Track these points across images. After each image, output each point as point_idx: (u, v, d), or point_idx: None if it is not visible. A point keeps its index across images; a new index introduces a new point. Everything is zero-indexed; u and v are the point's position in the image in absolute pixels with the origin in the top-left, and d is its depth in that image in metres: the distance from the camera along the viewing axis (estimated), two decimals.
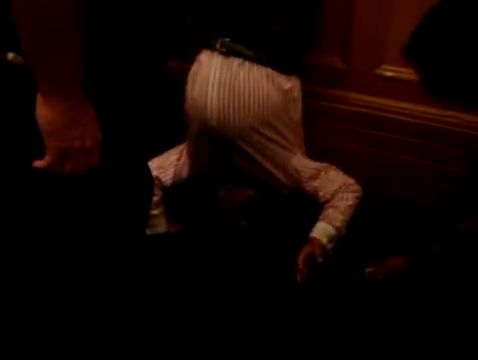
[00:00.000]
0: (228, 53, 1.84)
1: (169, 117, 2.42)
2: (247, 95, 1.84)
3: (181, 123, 2.07)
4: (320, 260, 1.89)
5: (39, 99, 0.91)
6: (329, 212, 1.95)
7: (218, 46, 1.85)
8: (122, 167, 1.18)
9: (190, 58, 2.02)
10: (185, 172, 2.09)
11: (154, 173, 1.99)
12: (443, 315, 1.76)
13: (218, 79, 1.84)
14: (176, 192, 2.11)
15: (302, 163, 2.03)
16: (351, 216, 1.97)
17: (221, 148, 1.96)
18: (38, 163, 0.97)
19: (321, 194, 1.99)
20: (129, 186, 1.24)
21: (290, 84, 1.92)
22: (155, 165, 2.03)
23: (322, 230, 1.92)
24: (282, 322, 1.75)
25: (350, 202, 1.96)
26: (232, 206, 2.10)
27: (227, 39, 1.84)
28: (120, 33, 0.98)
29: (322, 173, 2.01)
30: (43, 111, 0.91)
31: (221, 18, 1.86)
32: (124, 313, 1.58)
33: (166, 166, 2.07)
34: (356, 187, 2.00)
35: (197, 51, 1.97)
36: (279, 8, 1.81)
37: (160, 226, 2.06)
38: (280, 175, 2.02)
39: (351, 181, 2.00)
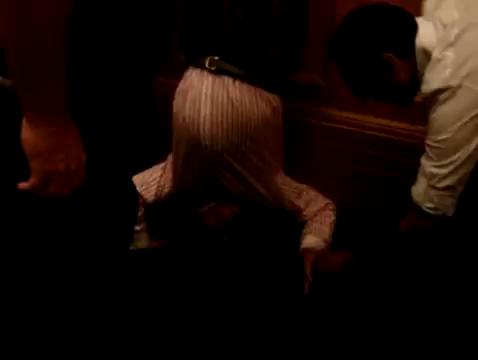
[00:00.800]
0: (217, 72, 1.85)
1: (151, 134, 2.42)
2: (240, 113, 1.85)
3: (161, 140, 2.07)
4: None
5: (24, 123, 0.92)
6: (316, 226, 2.01)
7: (207, 64, 1.85)
8: (107, 185, 1.18)
9: (174, 74, 2.01)
10: (167, 189, 2.10)
11: (137, 189, 1.99)
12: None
13: (210, 98, 1.85)
14: (157, 208, 2.10)
15: (285, 181, 2.08)
16: (333, 232, 2.03)
17: (209, 165, 1.96)
18: (23, 185, 0.97)
19: (304, 213, 2.06)
20: (114, 203, 1.24)
21: (276, 102, 1.94)
22: (138, 182, 2.03)
23: (314, 241, 1.98)
24: (267, 335, 1.76)
25: (332, 220, 2.04)
26: (216, 222, 2.11)
27: (216, 57, 1.85)
28: (106, 52, 0.98)
29: (304, 193, 2.08)
30: (28, 135, 0.92)
31: (209, 36, 1.87)
32: (108, 328, 1.57)
33: (149, 182, 2.07)
34: (333, 206, 2.08)
35: (181, 67, 1.97)
36: (268, 28, 1.82)
37: (142, 241, 2.06)
38: (264, 191, 2.03)
39: (329, 201, 2.08)
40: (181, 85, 1.96)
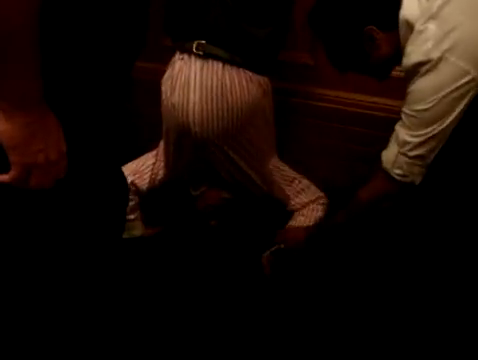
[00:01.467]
0: (205, 56, 1.82)
1: (139, 120, 2.41)
2: (230, 98, 1.83)
3: (150, 126, 2.05)
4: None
5: (0, 115, 0.89)
6: (300, 220, 2.01)
7: (194, 49, 1.83)
8: (93, 173, 1.17)
9: (161, 59, 1.99)
10: (161, 176, 2.09)
11: (130, 179, 2.00)
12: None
13: (199, 83, 1.82)
14: (151, 196, 2.09)
15: (277, 165, 2.07)
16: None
17: (200, 150, 1.95)
18: (2, 177, 0.96)
19: (292, 202, 2.05)
20: (103, 192, 1.23)
21: (266, 84, 1.92)
22: (131, 170, 2.02)
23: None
24: (258, 319, 1.77)
25: (320, 213, 2.03)
26: (205, 207, 2.10)
27: (203, 41, 1.82)
28: (83, 37, 0.96)
29: (296, 182, 2.07)
30: (3, 127, 0.90)
31: (195, 20, 1.84)
32: (105, 318, 1.57)
33: (142, 171, 2.05)
34: (325, 200, 2.07)
35: (169, 52, 1.94)
36: (254, 9, 1.80)
37: (136, 229, 2.07)
38: (255, 176, 2.02)
39: (321, 194, 2.07)
40: (169, 71, 1.93)
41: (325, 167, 2.25)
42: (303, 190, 2.06)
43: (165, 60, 2.02)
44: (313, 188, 2.07)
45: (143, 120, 2.46)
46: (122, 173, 1.37)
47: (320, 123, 2.26)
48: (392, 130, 2.12)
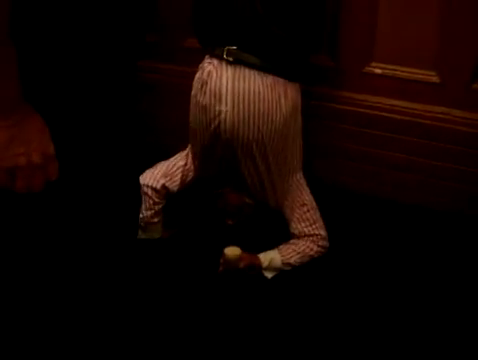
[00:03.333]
0: (235, 62, 1.80)
1: (157, 121, 2.42)
2: (262, 107, 1.80)
3: (172, 127, 2.05)
4: (249, 272, 1.93)
5: None
6: (289, 249, 1.97)
7: (225, 55, 1.80)
8: (94, 176, 1.16)
9: (182, 61, 1.99)
10: (191, 177, 2.06)
11: (162, 182, 1.99)
12: None
13: (231, 91, 1.79)
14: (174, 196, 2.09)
15: (300, 182, 2.02)
16: (305, 262, 1.98)
17: (229, 156, 1.90)
18: None
19: (293, 225, 2.01)
20: (110, 191, 1.23)
21: (295, 92, 1.89)
22: (162, 173, 2.01)
23: (271, 257, 1.95)
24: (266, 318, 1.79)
25: (312, 253, 1.98)
26: (225, 205, 2.08)
27: (233, 47, 1.80)
28: (81, 36, 0.96)
29: (305, 208, 2.00)
30: None
31: (225, 25, 1.82)
32: (117, 315, 1.58)
33: (172, 173, 2.03)
34: (325, 243, 2.00)
35: (190, 54, 1.93)
36: (284, 14, 1.78)
37: (156, 232, 2.08)
38: (277, 187, 1.98)
39: (324, 234, 2.00)
40: (199, 74, 1.90)
41: (341, 169, 2.25)
42: (308, 220, 1.99)
43: (187, 62, 2.02)
44: (319, 224, 2.00)
45: (165, 121, 2.46)
46: (131, 172, 1.35)
47: (338, 125, 2.25)
48: (413, 133, 2.13)
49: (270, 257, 1.95)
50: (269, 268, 1.95)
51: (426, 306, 1.82)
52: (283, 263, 1.95)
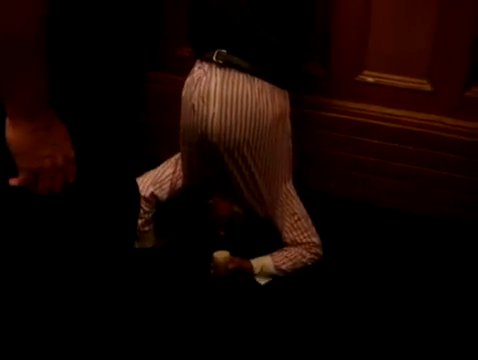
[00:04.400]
0: (225, 65, 1.81)
1: (150, 129, 2.42)
2: (249, 111, 1.80)
3: (165, 135, 2.05)
4: (238, 277, 1.94)
5: (7, 122, 0.91)
6: (282, 255, 1.96)
7: (214, 57, 1.81)
8: (104, 181, 1.17)
9: (176, 69, 1.99)
10: (180, 185, 2.06)
11: (150, 190, 1.99)
12: None
13: (219, 93, 1.80)
14: (165, 205, 2.09)
15: (289, 192, 2.01)
16: (299, 269, 1.97)
17: (216, 161, 1.91)
18: (13, 181, 0.97)
19: (285, 235, 2.00)
20: (113, 199, 1.23)
21: (283, 99, 1.90)
22: (150, 182, 2.01)
23: (262, 264, 1.95)
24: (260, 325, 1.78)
25: (305, 260, 1.97)
26: (215, 217, 2.08)
27: (223, 50, 1.81)
28: (94, 45, 0.97)
29: (295, 217, 1.99)
30: (10, 133, 0.91)
31: (215, 29, 1.83)
32: (113, 325, 1.57)
33: (161, 181, 2.03)
34: (318, 250, 1.98)
35: (184, 62, 1.93)
36: (273, 18, 1.79)
37: (149, 241, 2.07)
38: (265, 195, 1.97)
39: (317, 242, 1.98)
40: (189, 78, 1.92)
41: (333, 178, 2.24)
42: (299, 228, 1.98)
43: (181, 70, 2.02)
44: (311, 232, 1.99)
45: (158, 130, 2.46)
46: (134, 181, 1.36)
47: (330, 134, 2.25)
48: (404, 141, 2.13)
49: (262, 263, 1.95)
50: (261, 274, 1.95)
51: (417, 311, 1.82)
52: (276, 268, 1.94)
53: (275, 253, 1.98)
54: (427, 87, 2.06)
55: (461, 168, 2.09)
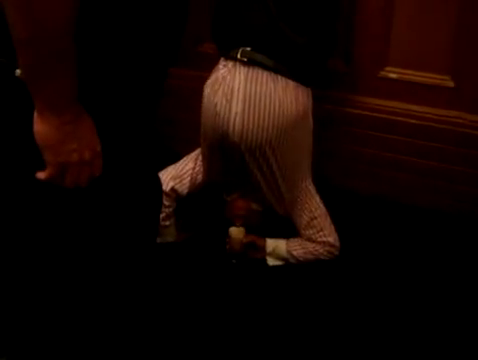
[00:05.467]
0: (249, 63, 1.81)
1: (171, 125, 2.43)
2: (272, 110, 1.80)
3: (183, 131, 2.06)
4: (251, 254, 2.00)
5: (35, 115, 0.92)
6: (297, 242, 1.97)
7: (239, 55, 1.82)
8: (128, 175, 1.18)
9: (196, 66, 2.00)
10: (200, 180, 2.07)
11: (171, 184, 2.00)
12: None
13: (243, 92, 1.81)
14: (186, 200, 2.10)
15: (309, 189, 2.00)
16: (310, 260, 1.97)
17: (237, 159, 1.92)
18: (40, 174, 0.98)
19: (301, 231, 1.99)
20: (137, 194, 1.24)
21: (306, 97, 1.90)
22: (171, 176, 2.02)
23: (276, 244, 1.98)
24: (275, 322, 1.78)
25: (317, 254, 1.96)
26: (232, 215, 2.08)
27: (248, 48, 1.82)
28: (120, 41, 0.98)
29: (313, 215, 1.97)
30: (39, 127, 0.92)
31: (240, 27, 1.84)
32: (133, 321, 1.59)
33: (182, 176, 2.04)
34: (332, 250, 1.96)
35: (204, 59, 1.94)
36: (297, 16, 1.80)
37: (170, 235, 2.08)
38: (284, 193, 1.97)
39: (332, 242, 1.96)
40: (213, 76, 1.92)
41: (356, 174, 2.24)
42: (315, 227, 1.96)
43: (202, 67, 2.04)
44: (327, 231, 1.96)
45: (179, 125, 2.48)
46: (157, 177, 1.38)
47: (353, 130, 2.25)
48: (428, 138, 2.12)
49: (276, 244, 1.97)
50: (273, 255, 1.97)
51: (440, 308, 1.81)
52: (288, 252, 1.95)
53: (292, 239, 1.99)
54: (449, 83, 2.05)
55: None
